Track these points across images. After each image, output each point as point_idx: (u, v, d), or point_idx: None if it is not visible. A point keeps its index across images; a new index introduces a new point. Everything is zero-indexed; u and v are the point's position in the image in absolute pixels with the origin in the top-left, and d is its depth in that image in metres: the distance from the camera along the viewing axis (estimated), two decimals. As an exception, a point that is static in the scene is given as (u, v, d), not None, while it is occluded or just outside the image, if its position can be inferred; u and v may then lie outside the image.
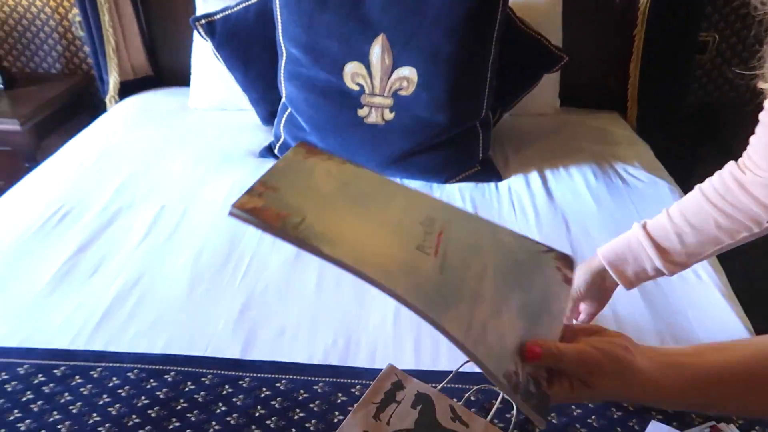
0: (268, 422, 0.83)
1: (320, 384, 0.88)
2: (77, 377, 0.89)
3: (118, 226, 1.27)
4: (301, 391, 0.87)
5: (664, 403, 0.54)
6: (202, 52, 1.74)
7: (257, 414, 0.84)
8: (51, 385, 0.88)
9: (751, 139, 0.77)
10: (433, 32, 1.36)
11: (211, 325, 1.01)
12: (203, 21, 1.57)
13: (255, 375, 0.90)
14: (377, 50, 1.38)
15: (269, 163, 1.54)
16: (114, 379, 0.88)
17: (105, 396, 0.86)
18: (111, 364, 0.91)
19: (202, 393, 0.87)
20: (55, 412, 0.83)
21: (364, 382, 0.88)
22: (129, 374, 0.89)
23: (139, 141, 1.61)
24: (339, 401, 0.86)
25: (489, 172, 1.49)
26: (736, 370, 0.52)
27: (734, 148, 0.79)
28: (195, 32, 1.64)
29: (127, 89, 1.92)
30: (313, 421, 0.83)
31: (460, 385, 0.87)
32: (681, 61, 1.79)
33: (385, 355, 0.95)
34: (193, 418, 0.83)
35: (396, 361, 0.88)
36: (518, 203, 1.36)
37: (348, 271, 0.45)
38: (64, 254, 1.17)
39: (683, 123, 1.91)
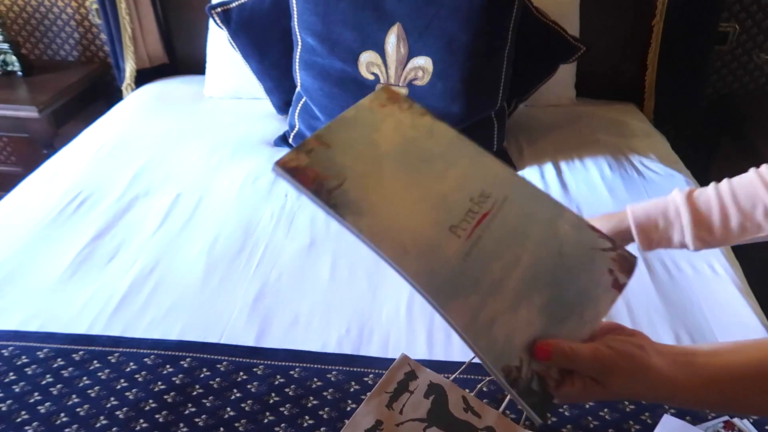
0: (281, 409, 0.84)
1: (333, 372, 0.89)
2: (95, 362, 0.90)
3: (134, 214, 1.28)
4: (315, 379, 0.88)
5: (679, 401, 0.53)
6: (218, 41, 1.75)
7: (271, 401, 0.85)
8: (70, 369, 0.89)
9: None
10: (449, 21, 1.36)
11: (226, 312, 1.02)
12: (219, 9, 1.57)
13: (269, 362, 0.91)
14: (392, 39, 1.37)
15: (283, 153, 1.56)
16: (131, 364, 0.90)
17: (122, 381, 0.87)
18: (128, 350, 0.92)
19: (217, 379, 0.88)
20: (73, 396, 0.85)
21: (377, 371, 0.88)
22: (146, 360, 0.91)
23: (155, 129, 1.62)
24: (352, 390, 0.86)
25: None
26: (753, 371, 0.51)
27: (754, 142, 0.76)
28: (211, 21, 1.64)
29: (143, 77, 1.93)
30: (326, 409, 0.84)
31: (472, 376, 0.88)
32: (700, 52, 1.76)
33: (398, 345, 0.95)
34: (208, 404, 0.84)
35: (409, 350, 0.89)
36: (532, 195, 1.35)
37: (365, 245, 0.45)
38: (81, 241, 1.19)
39: (701, 115, 1.89)
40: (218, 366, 0.90)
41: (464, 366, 0.88)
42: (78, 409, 0.83)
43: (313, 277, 1.11)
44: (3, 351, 0.92)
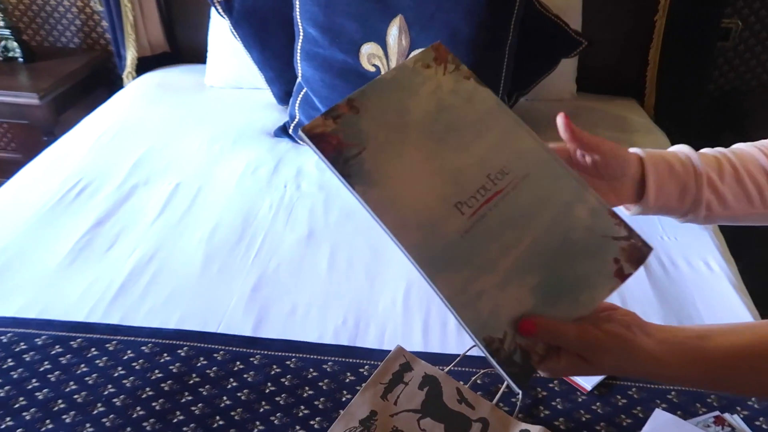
0: (277, 399, 0.84)
1: (330, 363, 0.90)
2: (93, 349, 0.91)
3: (134, 202, 1.29)
4: (311, 370, 0.89)
5: (666, 378, 0.54)
6: (219, 30, 1.74)
7: (267, 390, 0.86)
8: (68, 356, 0.90)
9: None
10: (451, 14, 1.35)
11: (224, 302, 1.03)
12: (221, -2, 1.56)
13: (266, 352, 0.91)
14: (394, 31, 1.37)
15: (283, 143, 1.57)
16: (129, 352, 0.91)
17: (120, 368, 0.88)
18: (126, 338, 0.93)
19: (213, 368, 0.89)
20: (71, 383, 0.86)
21: (372, 362, 0.89)
22: (143, 348, 0.91)
23: (156, 118, 1.62)
24: (347, 380, 0.87)
25: (503, 156, 1.48)
26: (740, 351, 0.52)
27: (755, 139, 0.74)
28: (212, 10, 1.64)
29: (144, 65, 1.93)
30: (321, 399, 0.84)
31: (467, 369, 0.88)
32: (702, 48, 1.76)
33: (394, 337, 0.96)
34: (204, 393, 0.85)
35: (405, 342, 0.90)
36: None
37: (369, 214, 0.48)
38: (81, 228, 1.19)
39: (702, 112, 1.89)
40: (215, 355, 0.91)
41: (459, 358, 0.89)
42: (75, 396, 0.84)
43: (311, 267, 1.11)
44: (1, 337, 0.92)
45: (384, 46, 1.38)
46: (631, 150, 0.63)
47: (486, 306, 0.49)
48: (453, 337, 0.96)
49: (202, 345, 0.92)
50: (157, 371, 0.88)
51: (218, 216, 1.24)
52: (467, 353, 0.89)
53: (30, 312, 0.99)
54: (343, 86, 1.43)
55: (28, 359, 0.89)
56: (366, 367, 0.89)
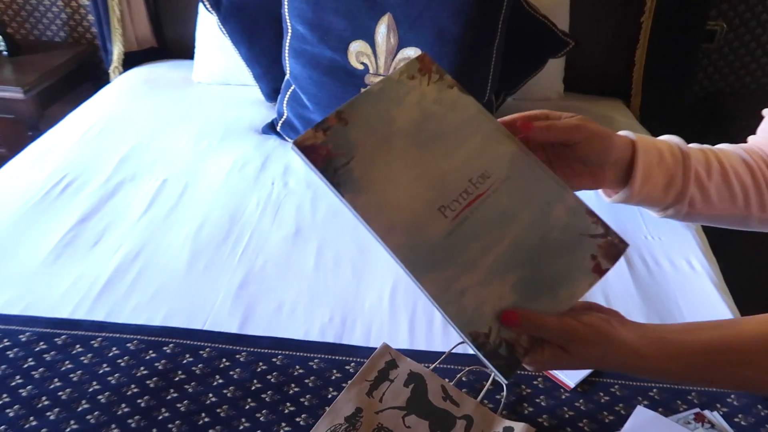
0: (263, 396, 0.85)
1: (316, 360, 0.90)
2: (78, 346, 0.91)
3: (120, 198, 1.28)
4: (297, 367, 0.89)
5: (646, 372, 0.55)
6: (207, 26, 1.73)
7: (253, 387, 0.86)
8: (52, 352, 0.89)
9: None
10: (440, 13, 1.36)
11: (211, 299, 1.03)
12: (209, -6, 1.56)
13: (252, 349, 0.91)
14: (383, 29, 1.37)
15: (271, 140, 1.57)
16: (114, 349, 0.90)
17: (105, 365, 0.88)
18: (111, 335, 0.93)
19: (199, 365, 0.88)
20: (56, 379, 0.85)
21: (358, 359, 0.89)
22: (129, 345, 0.91)
23: (143, 113, 1.61)
24: (333, 377, 0.87)
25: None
26: (720, 345, 0.53)
27: (739, 141, 0.75)
28: (200, 5, 1.63)
29: (131, 60, 1.92)
30: (307, 396, 0.85)
31: (452, 366, 0.89)
32: (687, 50, 1.78)
33: (380, 334, 0.96)
34: (190, 390, 0.85)
35: (390, 340, 0.90)
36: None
37: (357, 219, 0.51)
38: (66, 224, 1.19)
39: (687, 113, 1.91)
40: (201, 352, 0.91)
41: (444, 356, 0.89)
42: (60, 393, 0.83)
43: (298, 265, 1.11)
44: (-15, 333, 0.92)
45: (372, 44, 1.39)
46: (622, 133, 0.62)
47: (470, 303, 0.52)
48: (438, 335, 0.96)
49: (188, 342, 0.92)
50: (142, 368, 0.87)
51: (205, 213, 1.24)
52: (453, 351, 0.90)
53: (14, 308, 0.98)
54: (332, 84, 1.43)
55: (11, 356, 0.89)
56: (352, 364, 0.89)
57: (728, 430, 0.79)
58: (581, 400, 0.85)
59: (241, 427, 0.80)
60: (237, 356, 0.90)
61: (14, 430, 0.78)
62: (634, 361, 0.53)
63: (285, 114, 1.52)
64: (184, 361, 0.89)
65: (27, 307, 0.99)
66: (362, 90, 0.54)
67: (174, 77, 1.83)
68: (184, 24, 1.89)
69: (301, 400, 0.84)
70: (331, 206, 1.26)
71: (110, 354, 0.90)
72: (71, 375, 0.86)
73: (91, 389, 0.84)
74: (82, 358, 0.89)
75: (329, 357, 0.91)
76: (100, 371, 0.87)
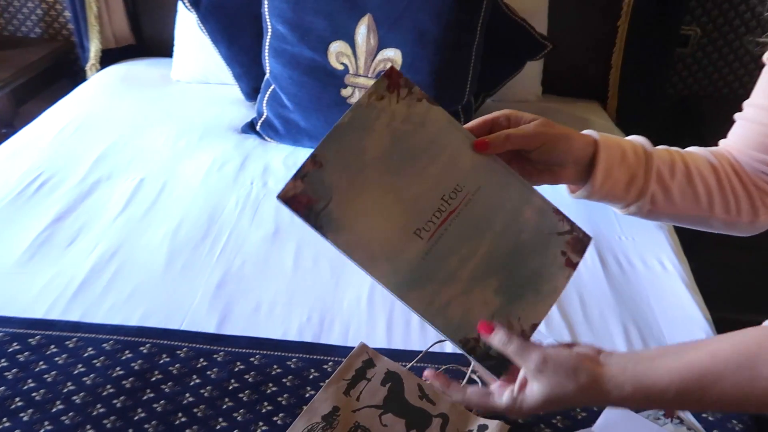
0: (240, 395, 0.85)
1: (293, 360, 0.90)
2: (53, 346, 0.90)
3: (96, 197, 1.27)
4: (275, 366, 0.89)
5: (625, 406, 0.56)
6: (187, 24, 1.72)
7: (230, 387, 0.86)
8: (26, 353, 0.88)
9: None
10: (420, 14, 1.37)
11: (188, 299, 1.02)
12: (188, -8, 1.55)
13: (230, 349, 0.91)
14: (363, 30, 1.38)
15: (251, 140, 1.57)
16: (89, 349, 0.90)
17: (80, 366, 0.87)
18: (87, 335, 0.92)
19: (176, 365, 0.88)
20: (29, 380, 0.85)
21: (336, 359, 0.90)
22: (105, 345, 0.90)
23: (120, 111, 1.60)
24: (311, 377, 0.88)
25: (469, 156, 1.51)
26: (693, 373, 0.51)
27: (712, 144, 0.76)
28: (179, 2, 1.62)
29: (108, 58, 1.90)
30: (285, 396, 0.85)
31: (429, 365, 0.90)
32: (662, 54, 1.81)
33: (357, 334, 0.97)
34: (167, 390, 0.85)
35: (368, 339, 0.91)
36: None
37: (341, 254, 0.54)
38: (41, 223, 1.17)
39: (662, 115, 1.94)
40: (178, 352, 0.90)
41: (421, 355, 0.90)
42: (33, 394, 0.83)
43: (277, 265, 1.11)
44: (-43, 334, 0.90)
45: (352, 44, 1.39)
46: (586, 132, 0.64)
47: (456, 312, 0.56)
48: (416, 334, 0.97)
49: (165, 342, 0.92)
50: (118, 368, 0.87)
51: (183, 212, 1.23)
52: (429, 350, 0.91)
53: (-14, 308, 0.97)
54: (311, 83, 1.43)
55: (-16, 357, 0.88)
56: (330, 363, 0.90)
57: (696, 426, 0.81)
58: (555, 398, 0.86)
59: (218, 427, 0.80)
60: (214, 356, 0.90)
61: (-14, 432, 0.77)
62: (605, 397, 0.53)
63: (265, 113, 1.52)
64: (161, 362, 0.89)
65: (0, 307, 0.97)
66: (334, 125, 0.55)
67: (152, 75, 1.81)
68: (163, 21, 1.88)
69: (279, 399, 0.84)
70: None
71: (85, 354, 0.89)
72: (45, 376, 0.85)
73: (65, 390, 0.83)
74: (57, 358, 0.88)
75: (307, 356, 0.91)
76: (75, 372, 0.86)
